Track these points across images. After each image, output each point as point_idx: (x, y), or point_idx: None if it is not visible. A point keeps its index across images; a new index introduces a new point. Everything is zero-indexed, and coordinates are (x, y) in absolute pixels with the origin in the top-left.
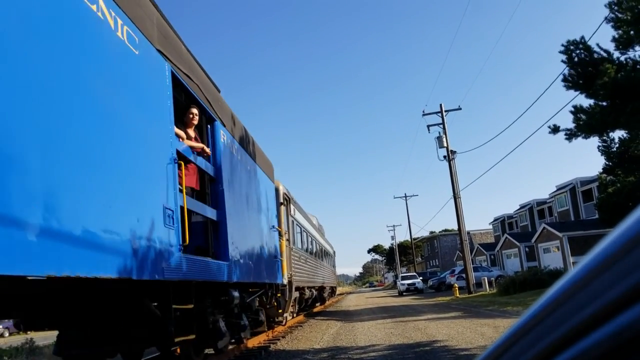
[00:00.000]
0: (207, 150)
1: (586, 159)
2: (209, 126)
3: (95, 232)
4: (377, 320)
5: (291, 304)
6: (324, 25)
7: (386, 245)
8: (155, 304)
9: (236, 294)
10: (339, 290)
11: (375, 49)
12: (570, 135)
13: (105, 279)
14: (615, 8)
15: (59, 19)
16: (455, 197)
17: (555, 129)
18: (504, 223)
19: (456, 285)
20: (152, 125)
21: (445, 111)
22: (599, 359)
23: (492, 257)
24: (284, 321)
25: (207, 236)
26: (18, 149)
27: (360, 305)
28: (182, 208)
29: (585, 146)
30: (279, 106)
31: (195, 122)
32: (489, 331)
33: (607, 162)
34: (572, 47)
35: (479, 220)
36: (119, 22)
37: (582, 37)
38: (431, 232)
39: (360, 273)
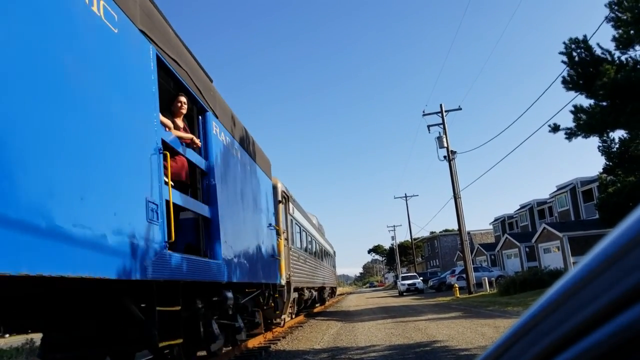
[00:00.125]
0: (197, 141)
1: (586, 159)
2: (200, 117)
3: (62, 226)
4: (377, 320)
5: (290, 305)
6: (324, 25)
7: (386, 245)
8: (143, 305)
9: (230, 294)
10: (339, 290)
11: (375, 49)
12: (570, 134)
13: (74, 279)
14: (615, 8)
15: None
16: (456, 197)
17: (555, 128)
18: (504, 223)
19: (456, 285)
20: (133, 111)
21: (446, 111)
22: (599, 359)
23: (493, 257)
24: (282, 323)
25: (198, 234)
26: None
27: (361, 306)
28: (167, 202)
29: (586, 146)
30: (278, 106)
31: (184, 111)
32: (489, 331)
33: (607, 162)
34: (573, 46)
35: (480, 221)
36: None
37: (585, 36)
38: (431, 232)
39: (361, 273)
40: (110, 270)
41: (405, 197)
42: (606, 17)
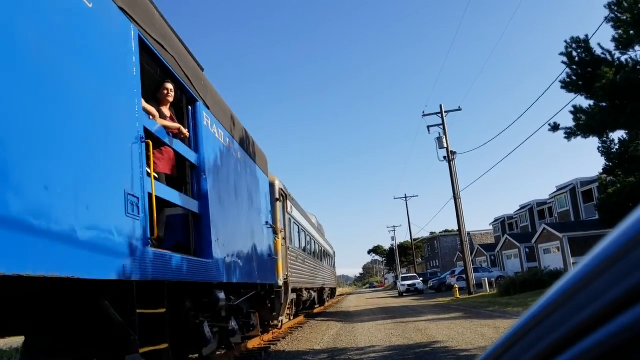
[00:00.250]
0: (185, 131)
1: (586, 160)
2: (189, 107)
3: (20, 218)
4: (377, 321)
5: (287, 306)
6: (324, 25)
7: (386, 246)
8: (124, 308)
9: (222, 295)
10: (339, 291)
11: (375, 49)
12: (570, 134)
13: (35, 278)
14: (615, 8)
15: None
16: (456, 197)
17: (555, 127)
18: (504, 224)
19: (456, 286)
20: (111, 94)
21: (445, 112)
22: None
23: (493, 257)
24: (280, 324)
25: (188, 232)
26: None
27: (361, 306)
28: (150, 196)
29: (586, 147)
30: (278, 106)
31: (171, 98)
32: (489, 332)
33: (607, 163)
34: (573, 46)
35: (479, 221)
36: None
37: (587, 35)
38: (431, 233)
39: (361, 274)
40: (81, 269)
41: (405, 197)
42: (606, 18)
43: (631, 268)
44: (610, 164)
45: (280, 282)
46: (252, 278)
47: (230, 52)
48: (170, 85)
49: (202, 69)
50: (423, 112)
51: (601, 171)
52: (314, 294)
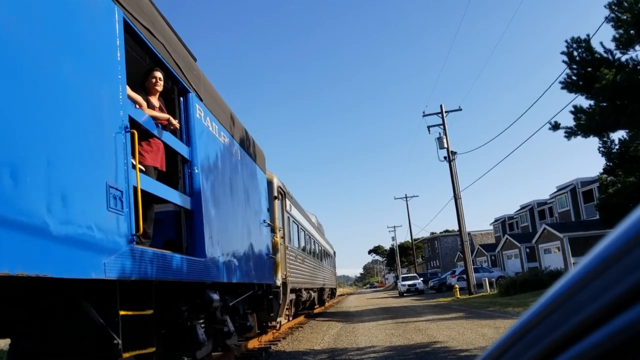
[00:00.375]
0: (175, 122)
1: (587, 160)
2: (181, 98)
3: None
4: (378, 321)
5: (286, 307)
6: (324, 26)
7: (387, 246)
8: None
9: (216, 296)
10: (339, 291)
11: (375, 50)
12: (570, 133)
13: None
14: (615, 8)
15: None
16: (456, 197)
17: (555, 126)
18: (504, 224)
19: (457, 286)
20: (91, 79)
21: (446, 112)
22: (599, 359)
23: (493, 257)
24: (278, 326)
25: (180, 228)
26: None
27: (361, 306)
28: (135, 189)
29: (586, 147)
30: (278, 106)
31: (160, 88)
32: (489, 332)
33: (607, 163)
34: (574, 46)
35: (480, 221)
36: None
37: (587, 35)
38: (432, 233)
39: (361, 274)
40: (55, 267)
41: (406, 197)
42: (606, 18)
43: (631, 268)
44: (611, 164)
45: (279, 282)
46: (249, 278)
47: (229, 53)
48: (159, 74)
49: (195, 59)
50: (423, 112)
51: (602, 171)
52: (314, 294)
